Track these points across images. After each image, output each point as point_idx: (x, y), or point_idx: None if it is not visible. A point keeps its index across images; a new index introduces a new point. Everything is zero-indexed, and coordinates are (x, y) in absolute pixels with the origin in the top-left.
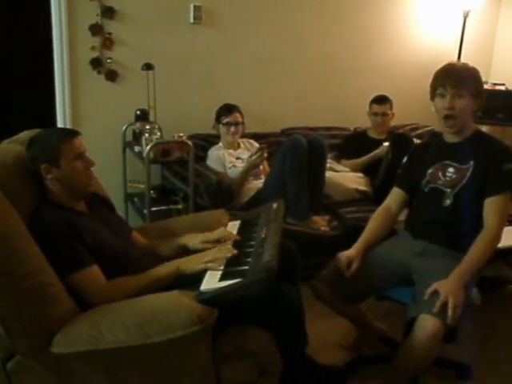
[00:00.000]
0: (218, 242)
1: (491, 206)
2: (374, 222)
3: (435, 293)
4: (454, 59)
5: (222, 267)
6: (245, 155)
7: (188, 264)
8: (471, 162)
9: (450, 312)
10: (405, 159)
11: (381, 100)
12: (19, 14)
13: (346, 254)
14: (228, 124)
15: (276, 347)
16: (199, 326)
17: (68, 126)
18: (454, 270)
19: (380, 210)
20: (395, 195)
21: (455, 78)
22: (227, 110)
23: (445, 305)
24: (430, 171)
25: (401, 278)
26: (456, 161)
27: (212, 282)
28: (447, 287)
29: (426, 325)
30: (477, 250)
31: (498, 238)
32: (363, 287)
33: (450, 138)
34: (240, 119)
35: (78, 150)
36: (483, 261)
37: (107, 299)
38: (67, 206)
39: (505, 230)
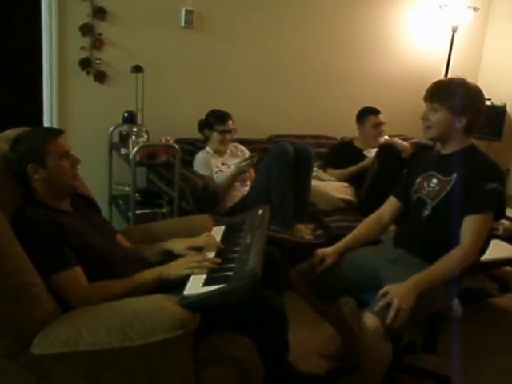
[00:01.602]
0: (202, 249)
1: (469, 225)
2: (361, 226)
3: (386, 294)
4: (442, 73)
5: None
6: (231, 161)
7: (171, 270)
8: (454, 175)
9: (390, 313)
10: (406, 168)
11: (376, 110)
12: (9, 11)
13: (321, 250)
14: (223, 132)
15: (258, 354)
16: (181, 331)
17: (55, 126)
18: (412, 277)
19: (371, 216)
20: (389, 204)
21: (431, 92)
22: (221, 118)
23: (388, 306)
24: (418, 180)
25: (371, 282)
26: (440, 172)
27: (195, 286)
28: (396, 290)
29: (365, 321)
30: (443, 264)
31: (469, 257)
32: (333, 285)
33: (442, 149)
34: (233, 126)
35: (64, 148)
36: (446, 276)
37: (88, 302)
38: (52, 206)
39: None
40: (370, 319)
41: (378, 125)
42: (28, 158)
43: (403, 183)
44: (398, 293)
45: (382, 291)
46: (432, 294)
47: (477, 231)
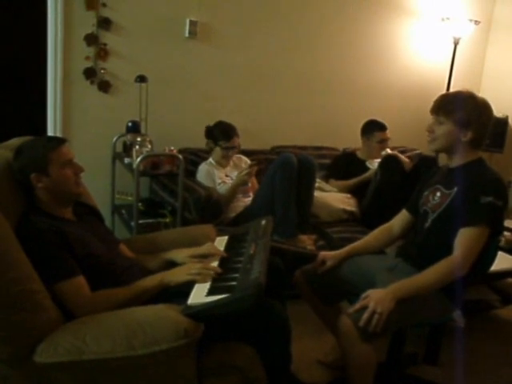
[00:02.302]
0: (205, 257)
1: (461, 237)
2: (370, 235)
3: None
4: (444, 85)
5: (208, 281)
6: (234, 172)
7: (172, 276)
8: (454, 189)
9: (364, 315)
10: (419, 183)
11: (383, 126)
12: (15, 19)
13: (323, 253)
14: (227, 149)
15: (261, 363)
16: (185, 340)
17: (58, 135)
18: (394, 283)
19: (382, 226)
20: (401, 216)
21: (438, 105)
22: (227, 135)
23: (365, 309)
24: (425, 193)
25: (368, 287)
26: (444, 186)
27: (199, 296)
28: (375, 294)
29: (340, 322)
30: (428, 273)
31: (456, 269)
32: (333, 287)
33: (449, 162)
34: (238, 142)
35: (67, 156)
36: (432, 285)
37: (90, 311)
38: (55, 215)
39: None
40: (343, 321)
41: (383, 141)
42: (31, 167)
43: (415, 196)
44: (376, 297)
45: (363, 295)
46: (421, 302)
47: (467, 244)
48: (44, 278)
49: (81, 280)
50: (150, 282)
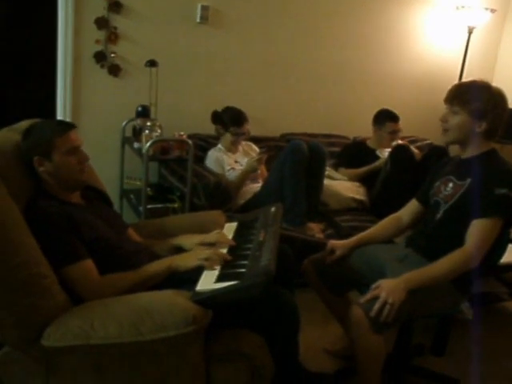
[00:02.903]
0: (213, 245)
1: (474, 228)
2: (379, 224)
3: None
4: (457, 74)
5: (217, 268)
6: (243, 159)
7: (181, 261)
8: (468, 180)
9: (376, 305)
10: (429, 173)
11: (395, 117)
12: (25, 4)
13: (332, 242)
14: (237, 135)
15: (269, 351)
16: (193, 327)
17: (68, 119)
18: (406, 273)
19: (391, 216)
20: (411, 206)
21: (452, 95)
22: (238, 120)
23: (376, 299)
24: (437, 184)
25: (378, 277)
26: (456, 177)
27: (208, 283)
28: (386, 284)
29: (351, 313)
30: (440, 264)
31: (469, 260)
32: (342, 277)
33: (461, 153)
34: (248, 128)
35: (72, 143)
36: (442, 276)
37: (98, 294)
38: (62, 198)
39: None
40: (355, 311)
41: (394, 132)
42: (35, 149)
43: (425, 187)
44: (387, 287)
45: (374, 285)
46: (432, 293)
47: (481, 235)
48: (52, 262)
49: (89, 263)
50: (158, 266)
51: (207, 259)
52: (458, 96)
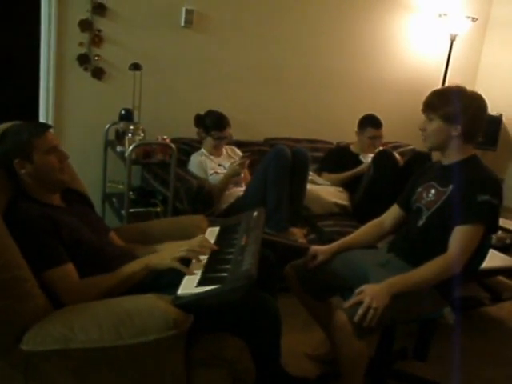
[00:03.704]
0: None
1: (457, 234)
2: (361, 230)
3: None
4: (440, 81)
5: (204, 258)
6: (227, 163)
7: (158, 259)
8: (450, 187)
9: (360, 310)
10: (411, 178)
11: (378, 124)
12: (8, 4)
13: (314, 248)
14: (219, 139)
15: (250, 356)
16: (174, 331)
17: (50, 121)
18: (389, 278)
19: (372, 221)
20: (392, 211)
21: (426, 103)
22: (219, 125)
23: (360, 304)
24: (419, 190)
25: (360, 282)
26: (438, 183)
27: (189, 286)
28: (370, 289)
29: (335, 318)
30: (423, 269)
31: (451, 266)
32: (324, 282)
33: (443, 160)
34: (229, 133)
35: (51, 143)
36: (425, 282)
37: (79, 297)
38: (43, 201)
39: None
40: (338, 316)
41: (374, 138)
42: (14, 152)
43: (407, 192)
44: (371, 292)
45: (358, 290)
46: (415, 298)
47: (463, 242)
48: (33, 266)
49: (69, 267)
50: (136, 265)
51: (189, 250)
52: (431, 103)
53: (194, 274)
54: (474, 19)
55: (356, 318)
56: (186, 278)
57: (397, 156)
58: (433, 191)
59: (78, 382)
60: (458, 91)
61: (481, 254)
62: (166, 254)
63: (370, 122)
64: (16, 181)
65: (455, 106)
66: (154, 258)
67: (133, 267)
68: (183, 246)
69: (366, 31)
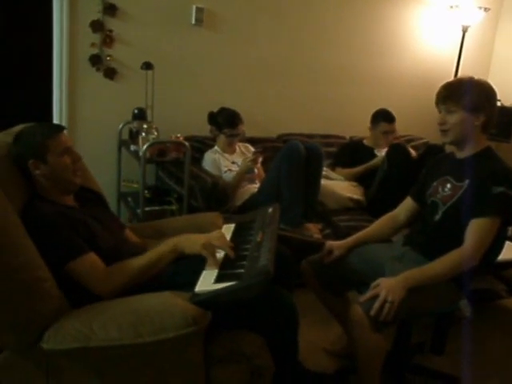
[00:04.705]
0: None
1: (472, 227)
2: (375, 224)
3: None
4: (452, 73)
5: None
6: (240, 160)
7: (186, 242)
8: (466, 181)
9: (376, 304)
10: (424, 169)
11: (390, 118)
12: (21, 6)
13: (330, 243)
14: (232, 136)
15: (268, 351)
16: (193, 328)
17: (64, 122)
18: (405, 272)
19: (387, 215)
20: (406, 204)
21: (444, 94)
22: (232, 122)
23: (376, 298)
24: (434, 184)
25: (376, 276)
26: (454, 177)
27: (207, 283)
28: (386, 283)
29: (352, 312)
30: (439, 263)
31: (468, 259)
32: (340, 277)
33: (458, 153)
34: (242, 129)
35: (65, 144)
36: (441, 275)
37: (108, 284)
38: (57, 201)
39: None
40: (355, 310)
41: (387, 133)
42: (29, 153)
43: (420, 185)
44: (387, 286)
45: (374, 283)
46: (431, 291)
47: (479, 235)
48: (55, 260)
49: (92, 256)
50: (165, 246)
51: (213, 252)
52: (451, 94)
53: (216, 265)
54: (486, 9)
55: (372, 312)
56: (203, 275)
57: (410, 150)
58: (448, 186)
59: (98, 379)
60: (475, 82)
61: (497, 247)
62: (196, 239)
63: (382, 117)
64: (31, 182)
65: (479, 95)
66: (184, 241)
67: (162, 249)
68: (213, 240)
69: (377, 25)
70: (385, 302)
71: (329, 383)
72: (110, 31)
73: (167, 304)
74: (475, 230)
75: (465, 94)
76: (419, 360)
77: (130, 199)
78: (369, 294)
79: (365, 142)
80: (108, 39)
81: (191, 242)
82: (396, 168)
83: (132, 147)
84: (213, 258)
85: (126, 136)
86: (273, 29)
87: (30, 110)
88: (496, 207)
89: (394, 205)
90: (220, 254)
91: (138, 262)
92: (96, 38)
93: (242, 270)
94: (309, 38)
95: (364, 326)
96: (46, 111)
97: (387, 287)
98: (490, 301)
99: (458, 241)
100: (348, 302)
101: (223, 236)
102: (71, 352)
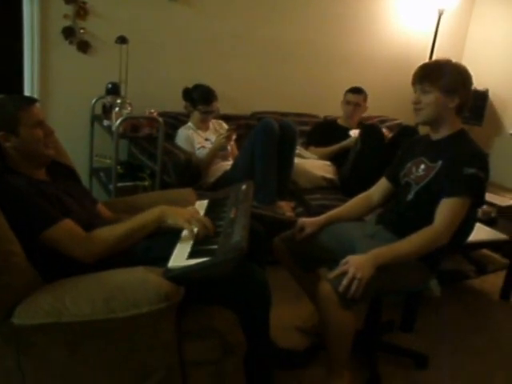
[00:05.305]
0: None
1: (443, 206)
2: (349, 203)
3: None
4: (427, 56)
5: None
6: (213, 137)
7: (170, 213)
8: (439, 162)
9: (344, 281)
10: (399, 151)
11: (356, 90)
12: None
13: (302, 220)
14: (206, 113)
15: (240, 328)
16: (166, 303)
17: (36, 95)
18: (374, 249)
19: (361, 195)
20: (380, 184)
21: (421, 74)
22: (206, 99)
23: (345, 274)
24: (408, 165)
25: (347, 254)
26: (428, 158)
27: (180, 259)
28: (354, 260)
29: (320, 288)
30: (408, 241)
31: (437, 238)
32: (311, 254)
33: (432, 135)
34: (217, 106)
35: (37, 117)
36: (412, 253)
37: (91, 250)
38: (29, 175)
39: None
40: (323, 286)
41: (350, 103)
42: (0, 125)
43: (395, 166)
44: (355, 263)
45: (343, 261)
46: (401, 270)
47: (449, 214)
48: (29, 231)
49: (69, 222)
50: (149, 215)
51: (197, 226)
52: (427, 75)
53: (186, 244)
54: None
55: (341, 289)
56: (177, 250)
57: (384, 130)
58: (422, 166)
59: (69, 354)
60: (451, 64)
61: (467, 228)
62: (182, 212)
63: (349, 89)
64: (1, 155)
65: (455, 77)
66: (169, 212)
67: (146, 217)
68: (196, 215)
69: (353, 6)
70: (353, 278)
71: (299, 360)
72: (84, 3)
73: (140, 279)
74: (445, 208)
75: (441, 76)
76: (389, 338)
77: (102, 175)
78: (338, 270)
79: (339, 121)
80: (82, 11)
81: (176, 214)
82: (369, 149)
83: (105, 122)
84: (192, 234)
85: (99, 111)
86: (249, 7)
87: (1, 82)
88: (467, 187)
89: (366, 184)
90: (195, 228)
91: (121, 227)
92: (69, 9)
93: (216, 246)
94: (285, 17)
95: (332, 303)
96: (17, 83)
97: (356, 264)
98: (459, 281)
99: (429, 220)
100: (319, 279)
101: (197, 212)
102: (42, 327)
